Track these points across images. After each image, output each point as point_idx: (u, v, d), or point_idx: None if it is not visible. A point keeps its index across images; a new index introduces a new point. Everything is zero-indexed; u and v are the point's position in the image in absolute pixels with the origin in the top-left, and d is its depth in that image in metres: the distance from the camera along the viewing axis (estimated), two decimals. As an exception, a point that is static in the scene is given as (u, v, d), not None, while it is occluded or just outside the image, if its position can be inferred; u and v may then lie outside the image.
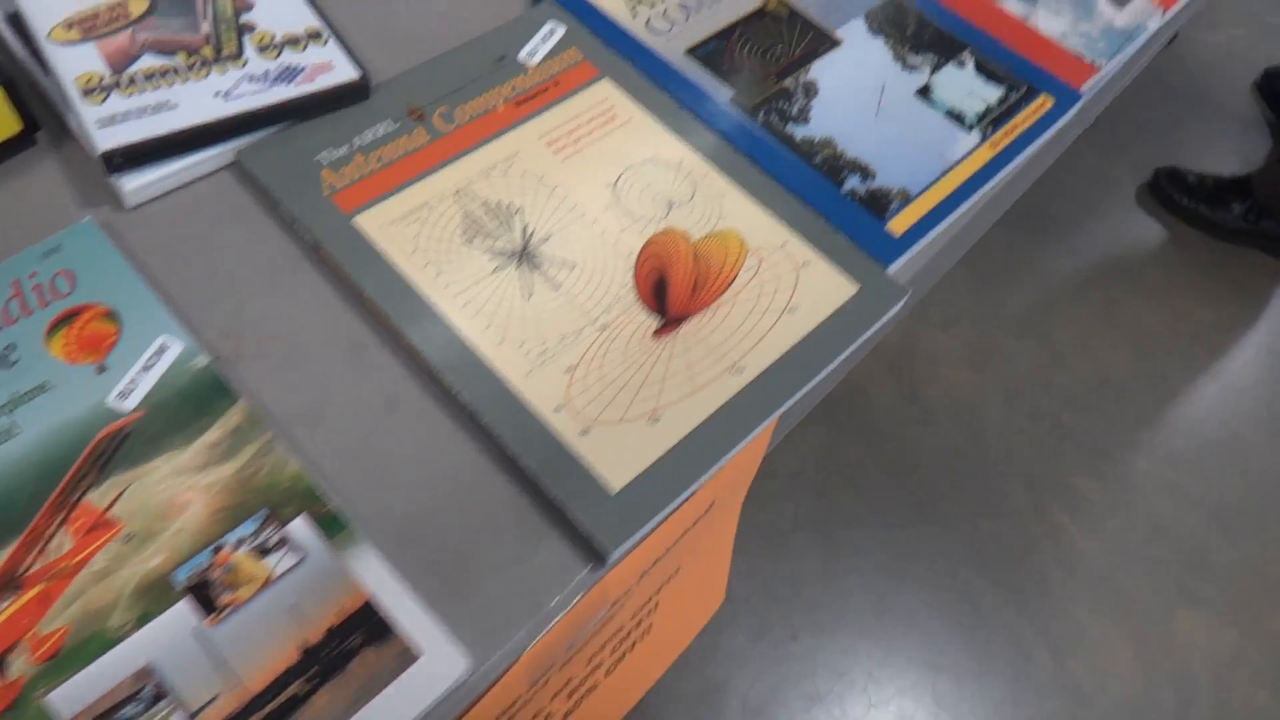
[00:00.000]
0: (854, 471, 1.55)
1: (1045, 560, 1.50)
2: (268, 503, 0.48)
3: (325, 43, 0.63)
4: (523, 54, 0.67)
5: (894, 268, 0.62)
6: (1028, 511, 1.55)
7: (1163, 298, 1.82)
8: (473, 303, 0.56)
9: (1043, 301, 1.78)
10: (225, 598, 0.45)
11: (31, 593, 0.44)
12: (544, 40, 0.68)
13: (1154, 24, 0.80)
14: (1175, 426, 1.67)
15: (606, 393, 0.54)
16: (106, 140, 0.56)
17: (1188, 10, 0.84)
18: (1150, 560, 1.53)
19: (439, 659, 0.45)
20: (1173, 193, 1.92)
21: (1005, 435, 1.62)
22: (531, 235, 0.59)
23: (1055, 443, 1.62)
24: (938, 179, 0.66)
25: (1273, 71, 2.16)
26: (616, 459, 0.51)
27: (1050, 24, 0.78)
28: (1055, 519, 1.55)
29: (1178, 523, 1.57)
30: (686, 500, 0.52)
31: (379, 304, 0.55)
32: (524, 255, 0.58)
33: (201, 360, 0.52)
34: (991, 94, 0.72)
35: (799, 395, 0.55)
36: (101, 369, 0.51)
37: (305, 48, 0.63)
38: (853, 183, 0.65)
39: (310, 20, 0.64)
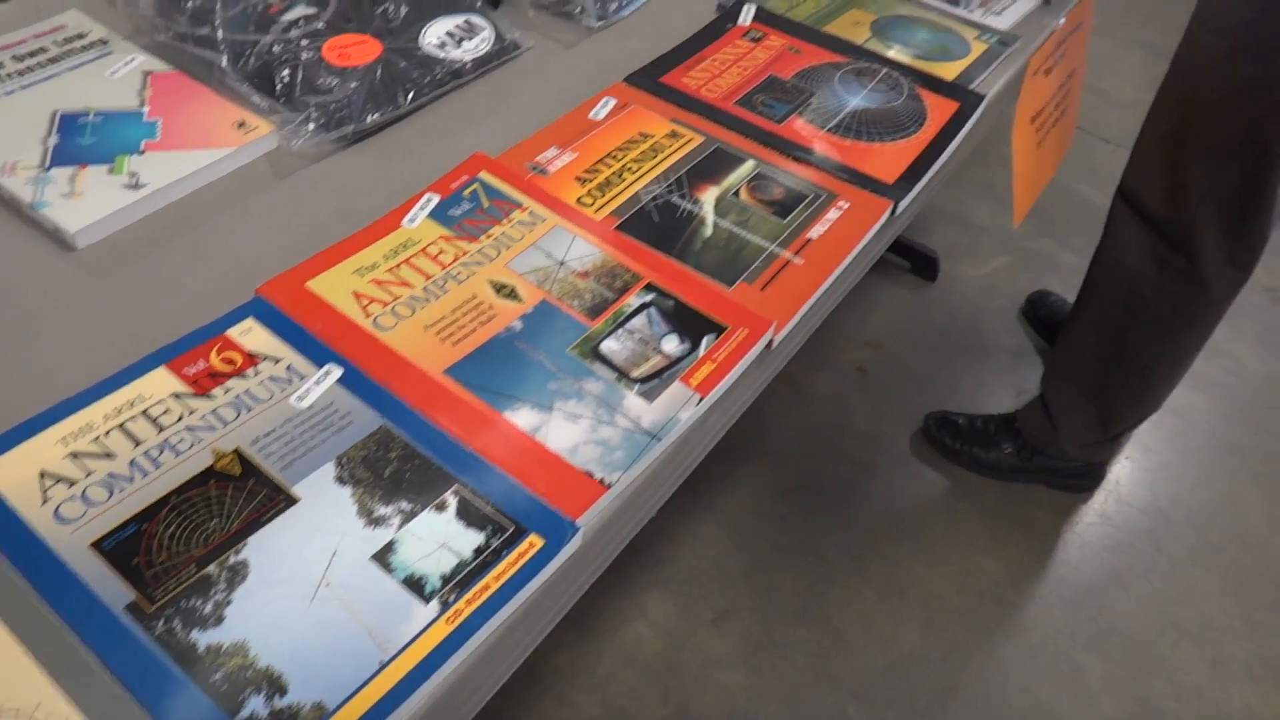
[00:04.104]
0: (617, 815, 1.39)
1: None
2: None
3: None
4: (-122, 582, 0.57)
5: (276, 830, 0.51)
6: (818, 831, 1.40)
7: (947, 555, 1.74)
8: None
9: (820, 580, 1.69)
10: None
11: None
12: (-88, 558, 0.58)
13: (687, 415, 0.74)
14: (971, 702, 1.56)
15: None
16: None
17: (743, 389, 0.79)
18: None
19: None
20: (944, 438, 1.88)
21: (787, 742, 1.48)
22: None
23: (841, 744, 1.49)
24: (368, 681, 0.56)
25: (1035, 297, 2.20)
26: None
27: (563, 435, 0.71)
28: (850, 835, 1.40)
29: (985, 818, 1.43)
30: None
31: None
32: None
33: None
34: (468, 544, 0.63)
35: None
36: None
37: None
38: (254, 705, 0.54)
39: None
